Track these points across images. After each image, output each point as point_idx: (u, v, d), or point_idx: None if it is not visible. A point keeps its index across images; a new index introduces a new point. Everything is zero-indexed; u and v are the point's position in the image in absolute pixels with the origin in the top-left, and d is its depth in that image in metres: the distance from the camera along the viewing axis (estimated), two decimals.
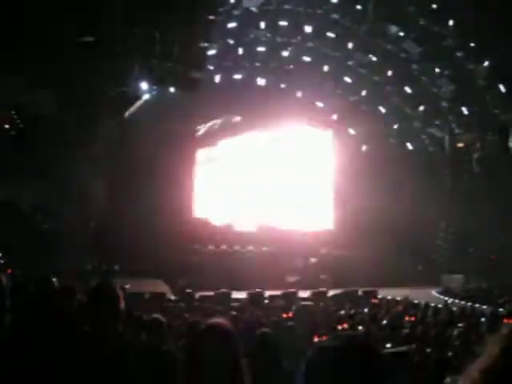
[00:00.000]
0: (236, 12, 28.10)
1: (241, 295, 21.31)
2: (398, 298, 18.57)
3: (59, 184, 24.78)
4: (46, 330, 3.51)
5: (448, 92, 32.09)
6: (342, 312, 13.22)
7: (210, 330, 2.89)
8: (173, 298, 20.93)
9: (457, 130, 33.87)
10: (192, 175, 31.26)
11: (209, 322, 3.02)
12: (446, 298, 23.16)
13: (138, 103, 23.27)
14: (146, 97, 23.09)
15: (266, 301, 20.07)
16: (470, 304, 18.81)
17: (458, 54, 29.51)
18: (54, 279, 4.97)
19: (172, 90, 22.97)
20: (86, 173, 24.48)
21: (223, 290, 21.47)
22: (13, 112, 24.63)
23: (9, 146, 23.27)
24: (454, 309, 13.73)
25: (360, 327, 10.17)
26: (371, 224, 31.23)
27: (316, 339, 7.78)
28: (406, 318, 11.74)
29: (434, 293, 26.14)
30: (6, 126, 24.83)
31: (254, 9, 28.47)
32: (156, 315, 5.65)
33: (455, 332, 8.35)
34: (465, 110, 32.17)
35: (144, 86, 21.50)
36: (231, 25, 28.86)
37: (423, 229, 32.88)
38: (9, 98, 22.50)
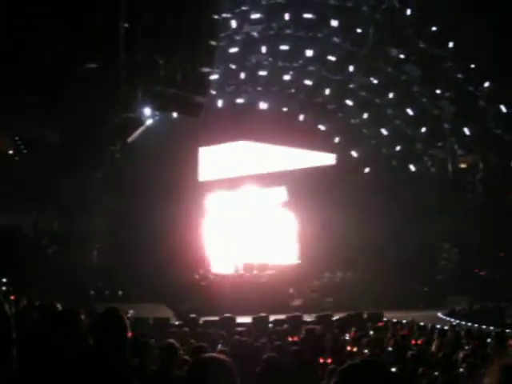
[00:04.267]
0: (237, 37, 28.40)
1: (245, 320, 21.20)
2: (404, 321, 18.45)
3: (62, 210, 24.84)
4: (52, 359, 3.49)
5: (449, 113, 32.23)
6: (348, 335, 13.14)
7: (210, 364, 2.86)
8: (177, 323, 20.81)
9: (459, 151, 33.95)
10: (195, 200, 31.27)
11: (207, 356, 3.00)
12: (452, 320, 23.00)
13: (141, 129, 23.39)
14: (148, 122, 23.23)
15: (271, 325, 19.94)
16: (476, 325, 18.68)
17: (459, 75, 29.70)
18: (58, 305, 4.96)
19: (175, 115, 23.13)
20: (88, 199, 24.54)
21: (227, 314, 21.36)
22: (16, 138, 24.79)
23: (12, 172, 23.38)
24: (460, 330, 13.63)
25: (366, 350, 10.09)
26: (375, 245, 31.14)
27: (321, 362, 7.73)
28: (413, 341, 11.66)
29: (439, 314, 25.94)
30: (10, 152, 24.99)
31: (255, 34, 28.75)
32: (170, 340, 5.60)
33: (461, 354, 8.30)
34: (467, 131, 32.27)
35: (147, 111, 21.62)
36: (233, 50, 29.14)
37: (427, 250, 32.80)
38: (12, 124, 22.66)
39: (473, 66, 28.88)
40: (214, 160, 32.59)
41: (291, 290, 29.30)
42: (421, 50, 29.12)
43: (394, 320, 20.24)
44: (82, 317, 3.63)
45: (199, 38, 17.50)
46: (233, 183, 32.73)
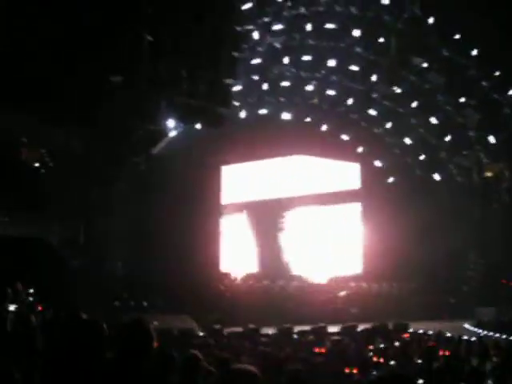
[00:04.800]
0: (260, 48, 28.51)
1: (270, 331, 21.13)
2: (430, 332, 18.23)
3: (87, 221, 25.06)
4: (77, 369, 3.51)
5: (474, 121, 31.91)
6: (373, 347, 13.03)
7: (239, 376, 2.85)
8: (201, 334, 20.81)
9: (484, 160, 33.56)
10: (219, 212, 31.33)
11: (236, 368, 2.98)
12: (480, 331, 22.67)
13: (165, 140, 23.57)
14: (172, 134, 23.39)
15: (296, 336, 19.84)
16: (504, 337, 18.39)
17: (483, 83, 29.42)
18: (84, 316, 4.99)
19: (198, 126, 23.26)
20: (112, 210, 24.74)
21: (252, 325, 21.32)
22: (43, 151, 25.12)
23: (38, 184, 23.66)
24: (488, 342, 13.41)
25: (392, 362, 10.00)
26: (400, 256, 30.87)
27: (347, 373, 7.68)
28: (439, 353, 11.51)
29: (466, 326, 25.58)
30: (36, 165, 25.32)
31: (277, 45, 28.84)
32: (193, 351, 5.58)
33: (489, 366, 8.17)
34: (492, 139, 31.91)
35: (171, 123, 21.78)
36: (255, 61, 29.26)
37: (453, 260, 32.41)
38: (38, 137, 22.98)
39: (497, 73, 28.60)
40: (236, 179, 32.75)
41: (317, 301, 29.13)
42: (444, 58, 28.92)
43: (420, 331, 20.02)
44: (104, 326, 3.64)
45: (222, 50, 17.63)
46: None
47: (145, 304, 24.76)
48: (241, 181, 33.09)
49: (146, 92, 17.75)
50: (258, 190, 33.18)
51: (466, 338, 14.76)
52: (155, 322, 17.31)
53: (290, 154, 32.83)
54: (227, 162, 31.95)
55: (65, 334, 4.31)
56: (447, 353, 11.63)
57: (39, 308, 11.69)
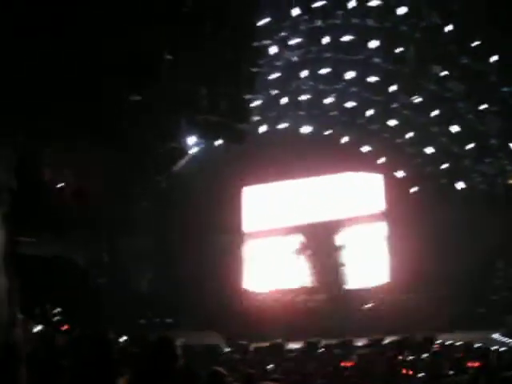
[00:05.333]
0: (278, 63, 28.62)
1: (296, 345, 21.03)
2: (459, 343, 17.97)
3: (111, 240, 25.26)
4: None
5: (496, 128, 31.57)
6: (401, 358, 12.88)
7: None
8: (227, 349, 20.77)
9: (508, 167, 33.15)
10: (241, 226, 31.34)
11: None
12: (509, 341, 22.30)
13: (186, 158, 23.71)
14: (193, 151, 23.54)
15: (322, 350, 19.72)
16: None
17: (504, 89, 29.13)
18: (111, 334, 5.01)
19: (219, 143, 23.38)
20: (136, 228, 24.90)
21: (277, 340, 21.23)
22: (65, 170, 25.40)
23: (63, 204, 23.92)
24: None
25: (421, 374, 9.87)
26: (427, 267, 30.58)
27: None
28: (469, 364, 11.33)
29: (496, 336, 25.17)
30: (60, 185, 25.59)
31: (295, 59, 28.93)
32: (217, 368, 5.58)
33: None
34: None
35: (191, 140, 21.90)
36: (274, 75, 29.37)
37: (481, 269, 31.99)
38: (61, 157, 23.25)
39: None
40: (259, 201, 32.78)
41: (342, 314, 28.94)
42: (463, 66, 28.72)
43: (449, 342, 19.75)
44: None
45: (240, 65, 17.70)
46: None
47: (169, 321, 24.83)
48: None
49: (166, 110, 17.89)
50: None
51: (495, 348, 14.52)
52: (181, 339, 17.34)
53: (314, 171, 32.86)
54: (248, 183, 32.04)
55: (93, 353, 4.33)
56: (477, 364, 11.44)
57: (65, 327, 11.78)
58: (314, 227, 33.08)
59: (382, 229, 35.31)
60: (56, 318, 14.69)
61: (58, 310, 16.30)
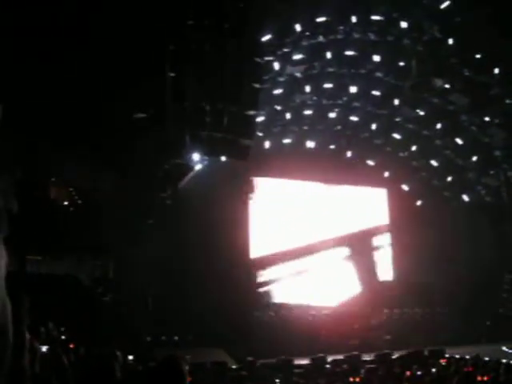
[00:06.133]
0: (281, 78, 28.74)
1: (303, 361, 20.90)
2: (467, 357, 17.82)
3: (117, 257, 25.26)
4: None
5: (500, 140, 31.58)
6: (409, 374, 12.78)
7: None
8: (234, 366, 20.66)
9: None
10: (248, 242, 31.29)
11: None
12: None
13: (191, 174, 23.77)
14: (198, 168, 23.60)
15: (329, 365, 19.58)
16: None
17: (507, 101, 29.17)
18: (118, 353, 4.99)
19: (223, 159, 23.43)
20: (141, 246, 24.90)
21: (284, 356, 21.11)
22: (71, 189, 25.50)
23: (68, 222, 23.97)
24: None
25: None
26: (434, 281, 30.45)
27: None
28: (478, 378, 11.23)
29: (504, 348, 24.97)
30: (65, 203, 25.68)
31: (298, 74, 29.05)
32: None
33: None
34: None
35: (196, 157, 21.99)
36: (277, 91, 29.48)
37: (488, 282, 31.84)
38: (66, 175, 23.35)
39: None
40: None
41: (349, 329, 28.80)
42: (466, 78, 28.79)
43: (457, 356, 19.59)
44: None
45: (243, 82, 17.81)
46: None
47: (176, 338, 24.73)
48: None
49: (171, 127, 17.98)
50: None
51: (504, 361, 14.38)
52: (188, 356, 17.26)
53: (316, 181, 32.91)
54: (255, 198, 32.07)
55: (100, 372, 4.32)
56: (486, 378, 11.34)
57: (71, 346, 11.74)
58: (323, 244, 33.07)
59: (386, 242, 35.24)
60: (61, 337, 14.64)
61: (63, 328, 16.26)
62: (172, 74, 17.26)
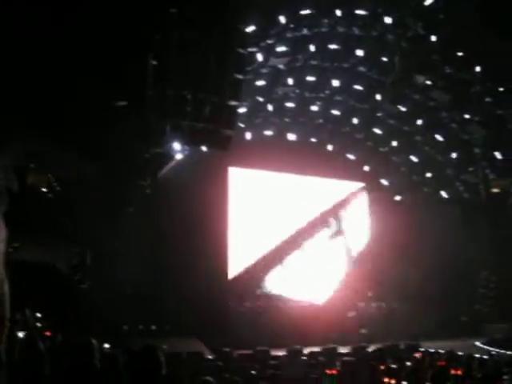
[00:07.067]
0: (264, 70, 28.68)
1: (280, 352, 20.99)
2: (442, 351, 18.05)
3: (95, 244, 25.08)
4: None
5: (479, 138, 31.91)
6: (384, 367, 12.88)
7: None
8: (210, 356, 20.68)
9: (491, 176, 33.50)
10: (226, 233, 31.26)
11: None
12: (491, 349, 22.45)
13: (171, 164, 23.65)
14: (178, 157, 23.48)
15: (305, 357, 19.70)
16: None
17: (487, 99, 29.46)
18: (94, 341, 4.95)
19: (204, 149, 23.34)
20: (120, 234, 24.74)
21: (261, 347, 21.19)
22: (49, 175, 25.22)
23: (45, 209, 23.72)
24: (500, 359, 13.26)
25: (404, 382, 9.89)
26: (410, 276, 30.72)
27: None
28: (452, 372, 11.37)
29: (478, 344, 25.34)
30: (44, 190, 25.41)
31: (281, 66, 29.01)
32: (207, 378, 5.49)
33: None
34: (498, 155, 31.88)
35: (176, 146, 21.87)
36: (260, 82, 29.42)
37: (464, 278, 32.21)
38: (45, 162, 23.09)
39: (501, 89, 28.63)
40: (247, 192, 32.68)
41: (326, 322, 28.97)
42: (448, 76, 29.01)
43: (432, 350, 19.83)
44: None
45: (226, 72, 17.73)
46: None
47: (153, 328, 24.67)
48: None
49: (151, 116, 17.84)
50: None
51: (477, 356, 14.59)
52: (164, 346, 17.23)
53: (296, 173, 32.96)
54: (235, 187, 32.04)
55: (75, 360, 4.29)
56: (459, 372, 11.49)
57: (48, 333, 11.64)
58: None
59: (364, 236, 35.47)
60: (38, 324, 14.52)
61: (40, 315, 16.12)
62: (154, 62, 17.12)
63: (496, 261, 32.30)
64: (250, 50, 24.83)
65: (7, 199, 2.05)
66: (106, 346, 14.22)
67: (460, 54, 27.73)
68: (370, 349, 22.15)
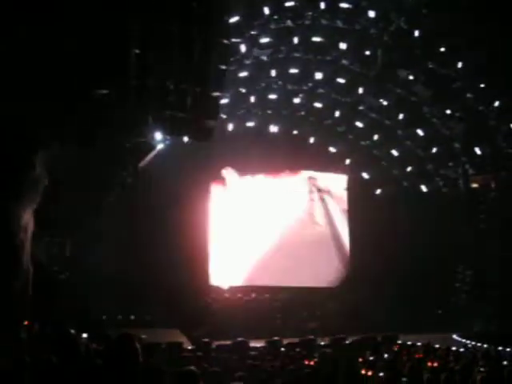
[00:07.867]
0: (247, 61, 28.59)
1: (258, 344, 21.07)
2: (419, 343, 18.26)
3: (74, 235, 24.90)
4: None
5: (460, 133, 32.17)
6: (362, 359, 13.00)
7: None
8: (190, 347, 20.71)
9: (471, 171, 33.79)
10: (206, 224, 31.24)
11: None
12: (468, 342, 22.73)
13: (152, 153, 23.53)
14: (160, 147, 23.36)
15: (284, 348, 19.79)
16: (492, 347, 18.45)
17: (469, 95, 29.68)
18: (72, 331, 4.95)
19: (186, 139, 23.25)
20: (100, 224, 24.61)
21: (240, 338, 21.25)
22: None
23: None
24: (477, 352, 13.44)
25: (381, 374, 9.98)
26: (387, 268, 30.94)
27: None
28: (428, 364, 11.52)
29: (454, 337, 25.65)
30: None
31: (264, 58, 28.94)
32: (191, 367, 5.43)
33: (479, 376, 8.18)
34: (478, 151, 32.16)
35: (158, 136, 21.74)
36: (243, 74, 29.33)
37: (441, 272, 32.52)
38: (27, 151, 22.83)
39: (482, 85, 28.87)
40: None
41: (305, 313, 29.14)
42: (430, 71, 29.17)
43: (409, 343, 20.04)
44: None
45: (209, 62, 17.62)
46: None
47: (132, 318, 24.63)
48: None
49: (133, 105, 17.69)
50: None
51: (454, 348, 14.77)
52: (143, 336, 17.21)
53: (278, 166, 32.99)
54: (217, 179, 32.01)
55: (52, 349, 4.27)
56: (436, 364, 11.64)
57: (25, 322, 11.56)
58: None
59: (344, 228, 35.59)
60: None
61: None
62: (136, 51, 16.97)
63: (473, 255, 32.65)
64: (234, 40, 24.76)
65: (40, 196, 2.03)
66: (84, 335, 14.18)
67: (442, 49, 27.88)
68: (349, 340, 22.33)
